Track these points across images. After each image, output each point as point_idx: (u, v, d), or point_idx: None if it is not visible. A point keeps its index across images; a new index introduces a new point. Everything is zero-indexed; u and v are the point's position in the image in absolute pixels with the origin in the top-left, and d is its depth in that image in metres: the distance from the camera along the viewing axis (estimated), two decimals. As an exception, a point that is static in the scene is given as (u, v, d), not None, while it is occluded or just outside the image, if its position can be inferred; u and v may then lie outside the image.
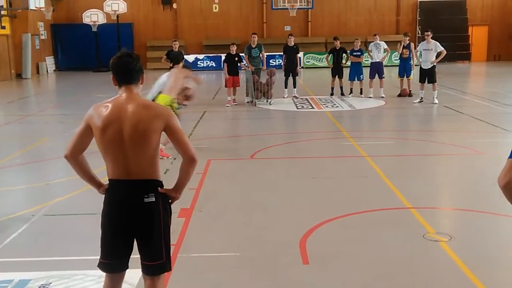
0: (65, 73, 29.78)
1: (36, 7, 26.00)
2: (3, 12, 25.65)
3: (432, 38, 15.39)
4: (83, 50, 30.46)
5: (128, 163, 3.30)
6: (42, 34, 29.98)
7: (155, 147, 3.34)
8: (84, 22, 29.04)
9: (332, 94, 17.40)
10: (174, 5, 31.85)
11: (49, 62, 30.65)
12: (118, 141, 3.28)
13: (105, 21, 29.15)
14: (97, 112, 3.33)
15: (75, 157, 3.43)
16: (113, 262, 3.44)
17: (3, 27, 25.93)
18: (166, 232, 3.42)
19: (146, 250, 3.40)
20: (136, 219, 3.34)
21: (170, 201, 3.49)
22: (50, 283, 4.68)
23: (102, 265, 3.47)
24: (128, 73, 3.40)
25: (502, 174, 2.82)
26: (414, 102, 15.53)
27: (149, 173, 3.36)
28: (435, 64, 15.29)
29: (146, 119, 3.28)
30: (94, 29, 29.08)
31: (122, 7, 29.40)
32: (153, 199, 3.34)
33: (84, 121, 3.40)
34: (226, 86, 16.08)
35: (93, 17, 28.99)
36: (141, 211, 3.33)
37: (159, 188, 3.40)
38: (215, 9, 32.01)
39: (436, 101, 15.15)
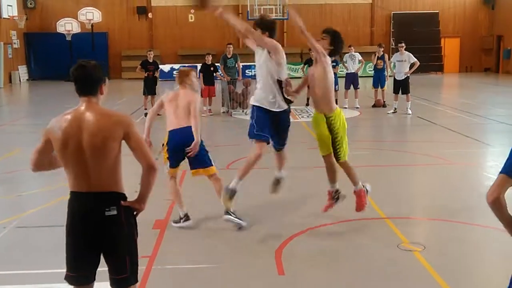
0: (38, 82, 29.40)
1: (9, 16, 25.71)
2: (-26, 20, 25.30)
3: (405, 49, 15.63)
4: (57, 59, 30.10)
5: (88, 174, 3.25)
6: (15, 43, 29.59)
7: (115, 157, 3.28)
8: (58, 31, 28.76)
9: (307, 104, 17.49)
10: (150, 15, 31.77)
11: (22, 71, 30.24)
12: (78, 152, 3.23)
13: (80, 30, 28.92)
14: (56, 125, 3.28)
15: (41, 168, 3.46)
16: (78, 275, 3.39)
17: (-25, 36, 25.56)
18: (130, 246, 3.39)
19: (110, 263, 3.38)
20: (98, 233, 3.29)
21: (135, 213, 3.44)
22: (22, 297, 4.59)
23: (68, 278, 3.43)
24: (86, 83, 3.34)
25: (491, 189, 2.63)
26: (388, 113, 15.71)
27: (110, 185, 3.30)
28: (408, 75, 15.51)
29: (105, 127, 3.24)
30: (68, 38, 28.83)
31: (96, 16, 29.22)
32: (115, 212, 3.27)
33: (44, 135, 3.35)
34: (201, 96, 16.05)
35: (67, 26, 28.74)
36: (102, 224, 3.27)
37: (122, 202, 3.33)
38: (191, 19, 32.02)
39: (410, 111, 15.35)
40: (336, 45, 6.03)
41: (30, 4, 30.75)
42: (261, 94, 5.98)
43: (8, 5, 25.79)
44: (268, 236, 5.95)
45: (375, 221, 6.48)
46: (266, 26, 5.95)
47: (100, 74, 3.39)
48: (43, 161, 3.42)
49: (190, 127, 6.09)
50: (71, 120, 3.26)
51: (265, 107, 5.94)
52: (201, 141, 6.20)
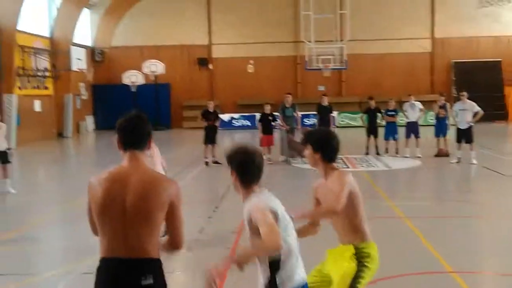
0: (103, 132, 30.50)
1: (78, 69, 27.05)
2: (47, 74, 26.75)
3: (467, 98, 15.35)
4: (122, 109, 30.27)
5: (126, 238, 2.99)
6: (83, 94, 31.01)
7: (159, 224, 3.04)
8: (123, 82, 29.95)
9: (367, 154, 17.33)
10: (210, 66, 32.69)
11: (89, 121, 31.55)
12: (118, 215, 2.99)
13: (144, 82, 30.03)
14: (97, 182, 3.07)
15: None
16: None
17: (46, 88, 26.98)
18: None
19: None
20: None
21: None
22: None
23: None
24: (136, 136, 3.13)
25: None
26: (452, 162, 15.30)
27: (148, 251, 3.02)
28: (472, 124, 15.14)
29: (152, 193, 3.00)
30: (133, 89, 29.93)
31: (160, 68, 30.31)
32: (151, 281, 2.99)
33: (88, 195, 3.14)
34: (260, 145, 16.19)
35: (132, 78, 29.89)
36: None
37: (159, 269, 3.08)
38: (250, 69, 32.71)
39: (474, 161, 14.90)
40: (323, 149, 4.06)
41: (98, 57, 32.33)
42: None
43: (77, 59, 27.16)
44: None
45: (441, 275, 6.23)
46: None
47: (150, 127, 3.21)
48: None
49: None
50: (115, 178, 3.05)
51: None
52: None
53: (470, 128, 15.09)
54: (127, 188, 2.99)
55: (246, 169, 3.37)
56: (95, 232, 3.20)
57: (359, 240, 3.98)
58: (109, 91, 31.88)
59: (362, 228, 4.01)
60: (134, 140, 3.11)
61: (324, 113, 17.24)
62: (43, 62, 26.29)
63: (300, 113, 17.00)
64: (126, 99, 30.44)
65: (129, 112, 3.23)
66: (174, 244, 3.11)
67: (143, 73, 30.04)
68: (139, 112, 3.24)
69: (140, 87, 30.01)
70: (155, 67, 30.24)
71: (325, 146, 4.01)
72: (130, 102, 30.18)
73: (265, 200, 3.29)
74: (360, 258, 3.95)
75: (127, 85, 29.96)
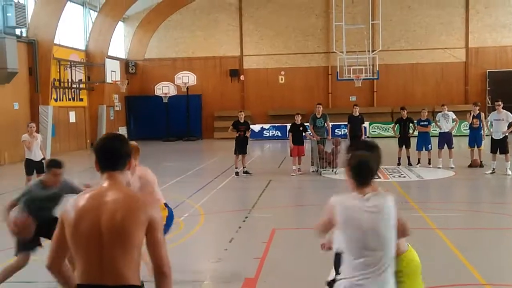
0: (136, 142, 30.92)
1: (112, 81, 27.55)
2: (82, 86, 27.33)
3: (502, 108, 15.08)
4: (154, 120, 31.76)
5: (102, 263, 2.79)
6: (116, 106, 31.55)
7: (138, 246, 2.83)
8: (156, 94, 30.39)
9: (399, 164, 17.14)
10: (242, 77, 32.89)
11: (122, 132, 32.05)
12: (94, 236, 2.80)
13: (176, 93, 30.40)
14: (71, 205, 2.89)
15: (58, 267, 2.95)
16: None
17: (81, 99, 27.54)
18: None
19: None
20: None
21: None
22: None
23: None
24: (113, 158, 2.99)
25: None
26: (486, 173, 15.02)
27: (127, 277, 2.81)
28: (507, 134, 14.86)
29: (129, 212, 2.81)
30: (165, 100, 30.35)
31: (192, 80, 30.67)
32: None
33: (59, 218, 2.93)
34: (291, 156, 16.19)
35: (164, 89, 30.33)
36: None
37: None
38: (281, 80, 32.79)
39: (509, 172, 14.60)
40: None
41: (132, 69, 32.90)
42: None
43: (112, 71, 27.65)
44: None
45: (475, 287, 6.12)
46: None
47: (128, 148, 3.07)
48: (61, 255, 2.93)
49: None
50: (89, 198, 2.88)
51: None
52: None
53: (505, 138, 14.82)
54: (102, 208, 2.82)
55: (357, 171, 3.62)
56: (53, 263, 2.95)
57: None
58: (142, 102, 32.41)
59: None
60: (111, 163, 2.99)
61: (355, 123, 17.17)
62: (79, 75, 26.91)
63: (330, 123, 16.96)
64: (158, 110, 30.98)
65: (108, 133, 3.13)
66: (157, 269, 2.85)
67: (175, 84, 30.45)
68: (116, 133, 3.12)
69: (172, 98, 30.43)
70: (187, 78, 30.64)
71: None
72: (162, 113, 30.71)
73: (340, 200, 3.62)
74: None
75: (159, 96, 30.42)
